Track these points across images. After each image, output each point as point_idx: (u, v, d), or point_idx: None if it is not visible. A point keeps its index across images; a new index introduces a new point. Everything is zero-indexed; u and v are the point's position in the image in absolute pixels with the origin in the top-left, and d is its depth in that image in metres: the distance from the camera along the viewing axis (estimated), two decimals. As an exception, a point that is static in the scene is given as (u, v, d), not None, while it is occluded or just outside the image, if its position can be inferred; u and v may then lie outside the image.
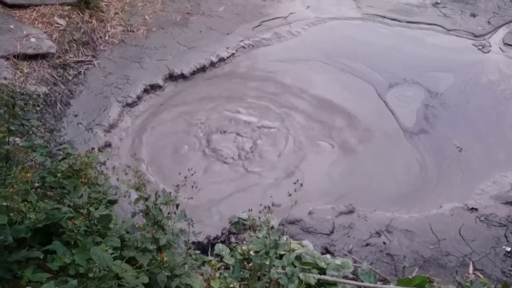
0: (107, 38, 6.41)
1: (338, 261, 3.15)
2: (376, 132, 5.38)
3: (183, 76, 6.07)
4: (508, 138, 5.29)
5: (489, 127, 5.45)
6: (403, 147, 5.21)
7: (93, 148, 3.71)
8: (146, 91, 5.76)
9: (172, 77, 6.02)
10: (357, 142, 5.25)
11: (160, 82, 5.88)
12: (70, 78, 5.46)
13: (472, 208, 4.23)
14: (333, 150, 5.13)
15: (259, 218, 2.97)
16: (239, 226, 3.66)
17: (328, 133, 5.33)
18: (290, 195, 3.14)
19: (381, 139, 5.32)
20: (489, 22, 7.17)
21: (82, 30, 6.14)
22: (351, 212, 4.19)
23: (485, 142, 5.24)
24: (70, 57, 5.69)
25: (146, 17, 7.08)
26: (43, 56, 5.35)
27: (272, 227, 3.35)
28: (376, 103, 5.79)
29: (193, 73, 6.15)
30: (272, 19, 7.35)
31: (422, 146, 5.20)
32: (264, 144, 5.14)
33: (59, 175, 2.70)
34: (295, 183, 3.19)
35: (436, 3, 7.72)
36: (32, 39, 5.41)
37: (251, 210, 3.49)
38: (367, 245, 3.80)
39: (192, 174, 2.94)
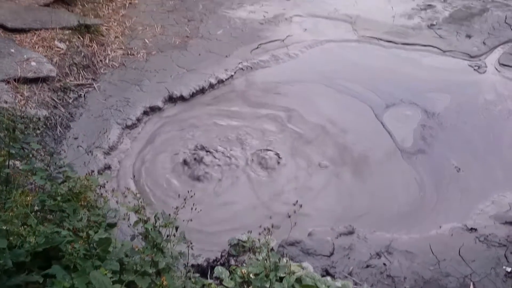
0: (107, 61, 6.49)
1: (338, 283, 3.13)
2: (374, 153, 5.40)
3: (182, 98, 6.13)
4: (506, 158, 5.31)
5: (487, 147, 5.47)
6: (401, 167, 5.22)
7: (92, 171, 3.73)
8: (145, 113, 5.80)
9: (171, 99, 6.08)
10: (355, 163, 5.27)
11: (160, 104, 5.93)
12: (70, 101, 5.51)
13: (472, 228, 4.22)
14: (331, 171, 5.14)
15: (259, 240, 2.96)
16: (238, 248, 3.65)
17: (325, 153, 5.35)
18: (289, 216, 3.15)
19: (379, 159, 5.34)
20: (484, 43, 7.26)
21: (83, 53, 6.22)
22: (351, 233, 4.18)
23: (483, 162, 5.26)
24: (70, 81, 5.75)
25: (146, 40, 7.18)
26: (44, 79, 5.41)
27: (272, 249, 3.35)
28: (373, 124, 5.83)
29: (192, 95, 6.21)
30: (270, 41, 7.45)
31: (420, 166, 5.21)
32: (261, 164, 5.15)
33: (59, 198, 2.72)
34: (294, 205, 3.21)
35: (432, 24, 7.83)
36: (33, 63, 5.47)
37: (251, 232, 3.48)
38: (367, 266, 3.79)
39: (192, 196, 2.95)
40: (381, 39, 7.49)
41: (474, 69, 6.72)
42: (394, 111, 6.01)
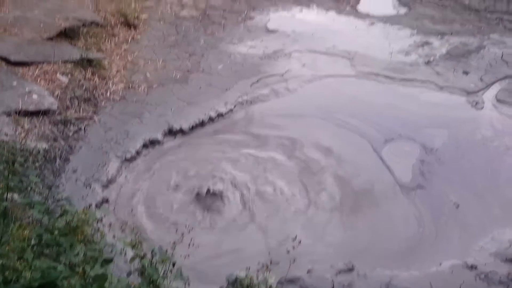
0: (108, 94, 6.56)
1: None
2: (374, 188, 5.40)
3: (182, 131, 6.16)
4: (503, 194, 5.31)
5: (485, 183, 5.48)
6: (400, 203, 5.21)
7: (90, 205, 3.73)
8: (145, 146, 5.82)
9: (171, 132, 6.11)
10: (355, 198, 5.26)
11: (160, 137, 5.96)
12: (70, 134, 5.54)
13: (472, 266, 4.18)
14: (331, 206, 5.13)
15: (257, 277, 2.93)
16: (237, 285, 3.60)
17: (325, 187, 5.35)
18: (288, 252, 3.12)
19: (378, 194, 5.33)
20: (481, 79, 7.35)
21: (84, 87, 6.30)
22: (350, 270, 4.13)
23: (482, 198, 5.25)
24: (71, 113, 5.80)
25: (148, 74, 7.28)
26: (44, 112, 5.45)
27: (271, 287, 3.30)
28: (372, 159, 5.85)
29: (192, 128, 6.25)
30: (270, 76, 7.55)
31: (419, 202, 5.21)
32: (261, 201, 5.14)
33: (56, 232, 2.70)
34: (293, 240, 3.19)
35: (429, 61, 7.95)
36: (34, 96, 5.53)
37: (249, 268, 3.44)
38: (367, 304, 3.73)
39: (189, 231, 2.93)
40: (379, 75, 7.59)
41: (472, 105, 6.79)
42: (392, 146, 6.04)
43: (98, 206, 4.60)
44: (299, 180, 5.45)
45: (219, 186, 5.21)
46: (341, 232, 4.83)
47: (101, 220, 3.25)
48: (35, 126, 5.25)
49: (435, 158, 5.81)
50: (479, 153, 5.95)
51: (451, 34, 8.96)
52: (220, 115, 6.54)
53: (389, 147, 6.01)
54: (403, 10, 10.42)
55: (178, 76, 7.37)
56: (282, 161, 5.72)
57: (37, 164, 4.33)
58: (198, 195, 5.12)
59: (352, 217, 5.02)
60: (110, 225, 4.31)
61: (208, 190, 5.13)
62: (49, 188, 3.38)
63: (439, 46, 8.48)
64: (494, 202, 5.18)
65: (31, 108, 5.35)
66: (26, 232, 2.77)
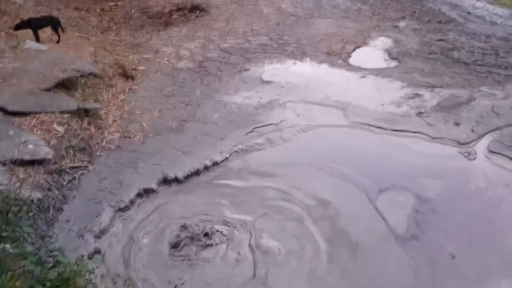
0: (104, 144, 6.60)
1: None
2: (369, 237, 5.37)
3: (177, 180, 6.18)
4: (499, 245, 5.30)
5: (480, 234, 5.47)
6: (395, 254, 5.17)
7: (82, 256, 3.68)
8: (139, 195, 5.81)
9: (166, 181, 6.12)
10: (350, 249, 5.22)
11: (154, 186, 5.96)
12: (64, 183, 5.54)
13: (470, 320, 4.11)
14: (325, 257, 5.07)
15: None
16: None
17: (319, 239, 5.31)
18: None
19: (373, 244, 5.30)
20: (473, 131, 7.47)
21: (80, 136, 6.35)
22: (346, 323, 4.05)
23: (477, 249, 5.23)
24: (66, 163, 5.81)
25: (144, 124, 7.36)
26: (40, 162, 5.47)
27: None
28: (367, 209, 5.85)
29: (187, 177, 6.26)
30: (264, 125, 7.65)
31: (414, 252, 5.17)
32: (257, 250, 5.10)
33: (47, 284, 2.66)
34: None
35: (420, 112, 8.10)
36: (30, 146, 5.57)
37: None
38: None
39: (183, 283, 2.90)
40: (371, 125, 7.71)
41: (464, 156, 6.86)
42: (387, 196, 6.06)
43: (91, 257, 4.53)
44: (291, 230, 5.42)
45: (214, 238, 5.17)
46: (340, 283, 4.76)
47: (93, 271, 3.21)
48: (30, 176, 5.25)
49: (430, 208, 5.82)
50: (473, 204, 5.98)
51: (442, 86, 9.17)
52: (215, 164, 6.58)
53: (383, 197, 6.03)
54: (393, 64, 10.72)
55: (174, 126, 7.46)
56: (277, 212, 5.71)
57: (30, 214, 4.29)
58: (193, 245, 5.06)
59: (347, 268, 4.96)
60: (102, 276, 4.25)
61: (204, 241, 5.09)
62: (42, 238, 3.35)
63: (430, 98, 8.66)
64: (490, 253, 5.16)
65: (27, 157, 5.37)
66: (17, 283, 2.73)
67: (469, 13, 15.91)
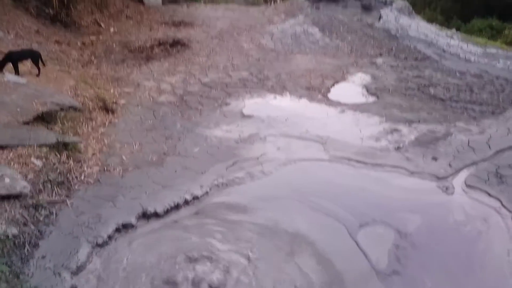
0: (82, 178, 6.50)
1: None
2: (349, 274, 5.32)
3: (156, 215, 6.08)
4: (479, 279, 5.30)
5: (460, 269, 5.48)
6: (377, 290, 5.14)
7: (58, 295, 3.56)
8: (118, 230, 5.69)
9: (145, 216, 6.02)
10: (332, 285, 5.16)
11: (133, 221, 5.86)
12: (41, 218, 5.40)
13: None
14: (307, 293, 5.01)
15: None
16: None
17: (299, 276, 5.24)
18: None
19: (355, 280, 5.25)
20: (450, 165, 7.59)
21: (58, 170, 6.25)
22: None
23: (458, 283, 5.23)
24: (43, 197, 5.69)
25: (123, 157, 7.30)
26: (16, 196, 5.35)
27: None
28: (348, 243, 5.83)
29: (167, 211, 6.18)
30: (245, 159, 7.68)
31: (396, 288, 5.15)
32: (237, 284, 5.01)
33: (20, 327, 2.56)
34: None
35: (398, 147, 8.23)
36: (6, 180, 5.45)
37: None
38: None
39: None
40: (351, 159, 7.79)
41: (443, 190, 6.95)
42: (367, 231, 6.06)
43: (66, 295, 4.39)
44: (270, 267, 5.34)
45: (193, 274, 5.07)
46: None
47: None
48: (6, 211, 5.11)
49: (410, 243, 5.84)
50: (453, 238, 6.02)
51: (419, 122, 9.40)
52: (195, 198, 6.53)
53: (364, 232, 6.03)
54: (371, 99, 10.98)
55: (154, 159, 7.41)
56: (256, 247, 5.64)
57: (5, 250, 4.17)
58: (171, 283, 4.95)
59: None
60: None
61: (183, 274, 4.99)
62: (17, 276, 3.24)
63: (408, 133, 8.84)
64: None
65: (3, 192, 5.25)
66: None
67: (444, 50, 16.52)
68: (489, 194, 6.79)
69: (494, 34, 26.43)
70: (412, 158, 7.86)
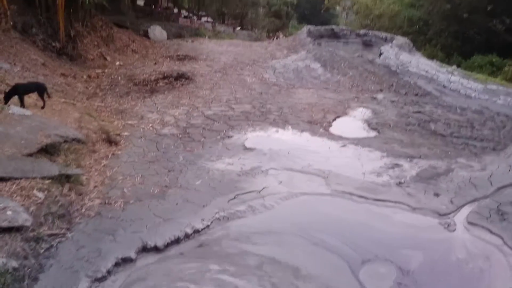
0: (83, 210, 6.50)
1: None
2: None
3: (156, 249, 6.04)
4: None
5: (463, 307, 5.42)
6: (380, 329, 5.06)
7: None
8: (117, 264, 5.64)
9: (145, 250, 5.98)
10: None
11: (133, 255, 5.81)
12: (41, 251, 5.38)
13: None
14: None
15: None
16: None
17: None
18: None
19: (357, 319, 5.18)
20: (452, 202, 7.57)
21: (60, 203, 6.25)
22: None
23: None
24: (44, 230, 5.67)
25: (125, 190, 7.31)
26: (18, 229, 5.34)
27: None
28: (350, 281, 5.76)
29: (167, 245, 6.14)
30: (247, 192, 7.67)
31: (399, 327, 5.07)
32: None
33: None
34: None
35: (400, 182, 8.23)
36: (9, 212, 5.45)
37: None
38: None
39: None
40: (353, 194, 7.78)
41: (444, 227, 6.91)
42: (370, 268, 6.00)
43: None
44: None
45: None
46: None
47: None
48: (6, 244, 5.09)
49: (412, 281, 5.77)
50: (455, 276, 5.95)
51: (420, 157, 9.43)
52: (196, 232, 6.49)
53: (366, 269, 5.97)
54: (373, 134, 11.06)
55: (155, 192, 7.42)
56: (257, 282, 5.58)
57: (5, 284, 4.15)
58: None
59: None
60: None
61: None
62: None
63: (409, 168, 8.85)
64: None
65: (5, 224, 5.24)
66: None
67: (444, 86, 16.71)
68: (491, 232, 6.75)
69: (494, 71, 26.78)
70: (414, 193, 7.85)
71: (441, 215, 7.21)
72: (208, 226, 6.67)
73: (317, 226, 6.88)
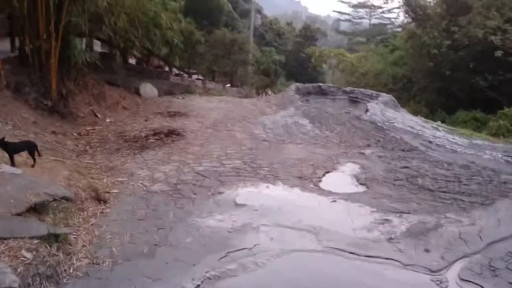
0: (71, 271, 6.37)
1: None
2: None
3: (144, 311, 5.91)
4: None
5: None
6: None
7: None
8: (104, 328, 5.50)
9: (133, 312, 5.85)
10: None
11: (121, 318, 5.68)
12: (26, 318, 5.25)
13: None
14: None
15: None
16: None
17: None
18: None
19: None
20: (442, 258, 7.53)
21: (48, 263, 6.14)
22: None
23: None
24: (31, 292, 5.57)
25: (114, 249, 7.20)
26: (4, 291, 5.23)
27: None
28: None
29: (156, 307, 6.01)
30: (238, 250, 7.57)
31: None
32: None
33: None
34: None
35: (390, 238, 8.21)
36: (-4, 274, 5.35)
37: None
38: None
39: None
40: (344, 251, 7.73)
41: (436, 284, 6.83)
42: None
43: None
44: None
45: None
46: None
47: None
48: (-8, 307, 4.98)
49: None
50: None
51: (409, 212, 9.46)
52: (186, 292, 6.37)
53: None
54: (362, 189, 11.14)
55: (145, 251, 7.31)
56: None
57: None
58: None
59: None
60: None
61: None
62: None
63: (399, 224, 8.86)
64: None
65: (-10, 288, 5.15)
66: None
67: (430, 142, 17.06)
68: (484, 289, 6.71)
69: (479, 126, 27.47)
70: (404, 249, 7.81)
71: (432, 271, 7.16)
72: (198, 286, 6.55)
73: (309, 284, 6.79)
